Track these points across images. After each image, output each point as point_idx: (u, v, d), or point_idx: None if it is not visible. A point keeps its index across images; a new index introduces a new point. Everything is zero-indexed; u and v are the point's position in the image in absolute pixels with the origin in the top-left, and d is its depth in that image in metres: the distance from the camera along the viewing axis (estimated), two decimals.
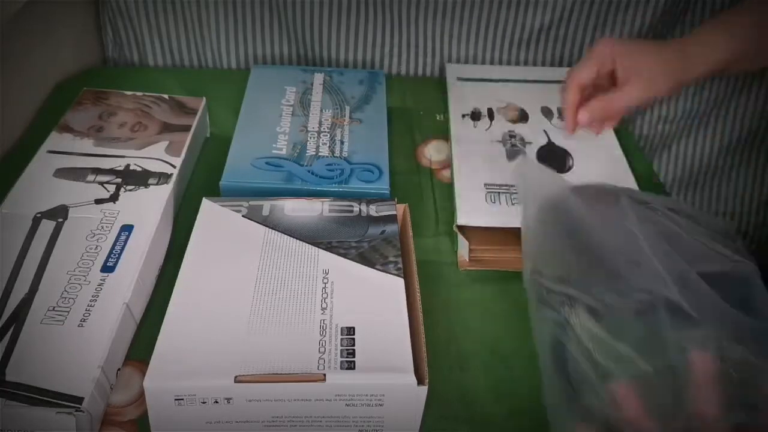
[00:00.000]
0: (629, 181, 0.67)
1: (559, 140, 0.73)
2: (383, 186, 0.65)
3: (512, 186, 0.66)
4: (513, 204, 0.64)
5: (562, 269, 0.50)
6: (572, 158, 0.71)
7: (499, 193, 0.66)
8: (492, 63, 0.90)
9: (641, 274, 0.48)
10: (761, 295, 0.48)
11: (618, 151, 0.72)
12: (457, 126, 0.76)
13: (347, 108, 0.75)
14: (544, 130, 0.75)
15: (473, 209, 0.64)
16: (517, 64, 0.90)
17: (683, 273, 0.48)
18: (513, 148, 0.72)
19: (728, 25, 0.65)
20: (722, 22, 0.65)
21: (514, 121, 0.76)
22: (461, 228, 0.62)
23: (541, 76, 0.85)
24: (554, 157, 0.70)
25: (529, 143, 0.73)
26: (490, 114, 0.78)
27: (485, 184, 0.67)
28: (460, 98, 0.80)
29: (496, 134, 0.74)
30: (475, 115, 0.77)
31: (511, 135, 0.74)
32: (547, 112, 0.78)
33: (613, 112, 0.63)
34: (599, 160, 0.70)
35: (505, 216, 0.63)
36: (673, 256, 0.49)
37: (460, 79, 0.84)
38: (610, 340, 0.44)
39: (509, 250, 0.61)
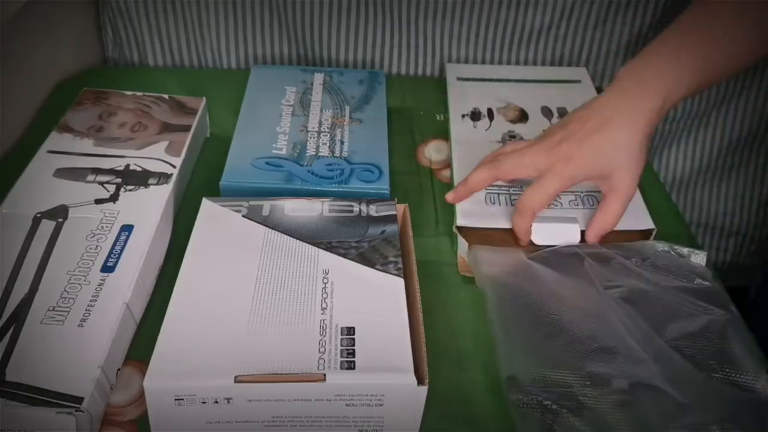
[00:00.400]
0: None
1: None
2: (383, 186, 0.65)
3: (511, 186, 0.66)
4: (512, 204, 0.64)
5: (536, 370, 0.49)
6: None
7: (498, 194, 0.66)
8: (492, 63, 0.90)
9: (616, 359, 0.48)
10: (738, 345, 0.49)
11: None
12: (457, 126, 0.76)
13: (347, 108, 0.75)
14: (544, 131, 0.75)
15: (473, 210, 0.64)
16: (517, 63, 0.90)
17: (659, 348, 0.49)
18: None
19: (699, 48, 0.58)
20: (693, 47, 0.58)
21: (514, 121, 0.76)
22: (461, 229, 0.62)
23: (541, 75, 0.85)
24: None
25: None
26: (490, 114, 0.78)
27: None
28: (460, 98, 0.80)
29: (495, 134, 0.74)
30: (475, 116, 0.77)
31: (511, 135, 0.74)
32: (547, 112, 0.78)
33: (610, 229, 0.59)
34: None
35: (505, 217, 0.63)
36: (646, 328, 0.50)
37: (460, 78, 0.84)
38: None
39: None
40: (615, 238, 0.61)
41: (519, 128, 0.75)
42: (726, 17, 0.58)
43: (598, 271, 0.56)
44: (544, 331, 0.51)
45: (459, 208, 0.64)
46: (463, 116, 0.77)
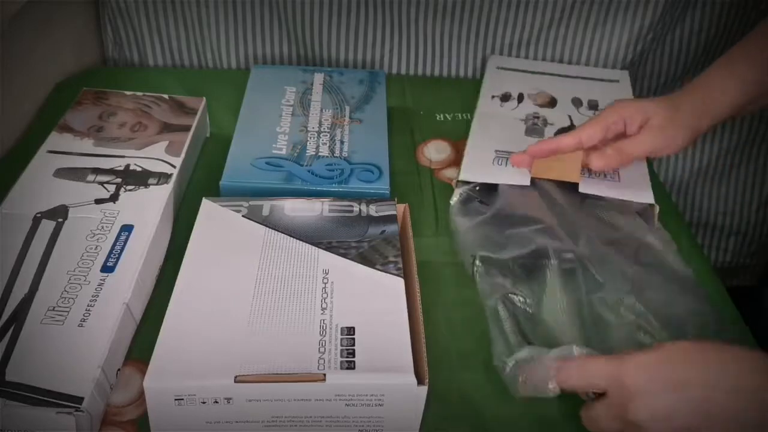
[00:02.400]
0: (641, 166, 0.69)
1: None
2: (383, 186, 0.65)
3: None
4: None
5: (504, 247, 0.59)
6: None
7: (507, 158, 0.67)
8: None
9: (564, 242, 0.58)
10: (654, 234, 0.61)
11: None
12: (485, 104, 0.78)
13: (347, 108, 0.75)
14: (569, 116, 0.76)
15: (478, 167, 0.66)
16: None
17: (588, 236, 0.59)
18: (533, 125, 0.74)
19: (742, 63, 0.63)
20: (735, 60, 0.64)
21: (542, 106, 0.78)
22: (461, 184, 0.64)
23: (582, 73, 0.86)
24: None
25: (551, 124, 0.75)
26: (520, 97, 0.79)
27: (496, 150, 0.69)
28: (496, 82, 0.82)
29: (520, 114, 0.76)
30: (505, 97, 0.79)
31: (536, 116, 0.76)
32: (576, 102, 0.79)
33: (624, 159, 0.63)
34: None
35: (509, 175, 0.65)
36: (578, 224, 0.60)
37: (500, 68, 0.85)
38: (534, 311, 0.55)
39: None
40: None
41: (545, 111, 0.77)
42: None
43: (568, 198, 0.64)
44: (513, 222, 0.61)
45: (464, 163, 0.66)
46: (493, 97, 0.79)
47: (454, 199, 0.64)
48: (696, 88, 0.64)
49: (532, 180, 0.64)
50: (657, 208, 0.64)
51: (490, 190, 0.64)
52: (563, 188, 0.64)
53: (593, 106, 0.78)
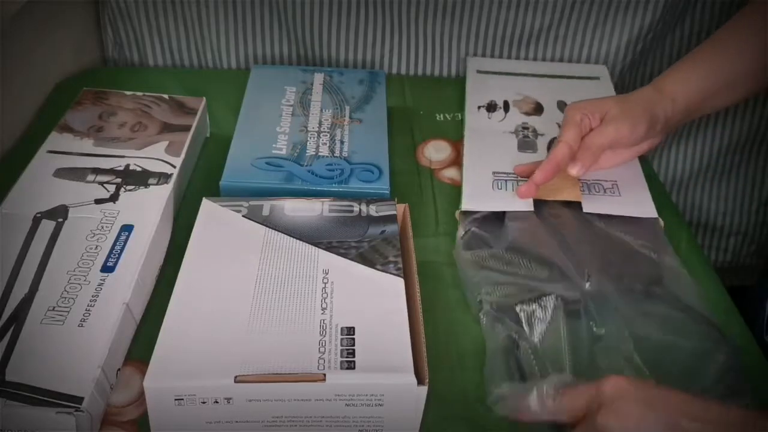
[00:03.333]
0: (635, 168, 0.69)
1: None
2: (383, 186, 0.65)
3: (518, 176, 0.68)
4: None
5: (505, 291, 0.57)
6: None
7: (506, 180, 0.66)
8: None
9: (569, 286, 0.57)
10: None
11: None
12: (472, 117, 0.77)
13: (347, 108, 0.75)
14: (557, 123, 0.75)
15: (479, 195, 0.65)
16: None
17: (596, 268, 0.57)
18: (525, 138, 0.73)
19: (705, 57, 0.67)
20: (698, 56, 0.67)
21: (528, 114, 0.77)
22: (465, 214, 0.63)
23: (561, 71, 0.86)
24: None
25: (542, 135, 0.74)
26: (506, 106, 0.78)
27: (494, 172, 0.68)
28: (479, 90, 0.81)
29: (509, 125, 0.75)
30: (491, 107, 0.78)
31: (524, 127, 0.75)
32: (562, 106, 0.78)
33: (594, 153, 0.64)
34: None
35: (510, 200, 0.64)
36: (586, 254, 0.59)
37: (480, 72, 0.85)
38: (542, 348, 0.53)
39: None
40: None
41: (533, 120, 0.76)
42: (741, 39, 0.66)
43: (569, 222, 0.63)
44: (515, 263, 0.60)
45: (464, 193, 0.65)
46: (479, 108, 0.78)
47: (460, 234, 0.63)
48: (649, 86, 0.67)
49: (536, 205, 0.63)
50: (662, 223, 0.63)
51: (495, 220, 0.63)
52: (568, 210, 0.63)
53: None
